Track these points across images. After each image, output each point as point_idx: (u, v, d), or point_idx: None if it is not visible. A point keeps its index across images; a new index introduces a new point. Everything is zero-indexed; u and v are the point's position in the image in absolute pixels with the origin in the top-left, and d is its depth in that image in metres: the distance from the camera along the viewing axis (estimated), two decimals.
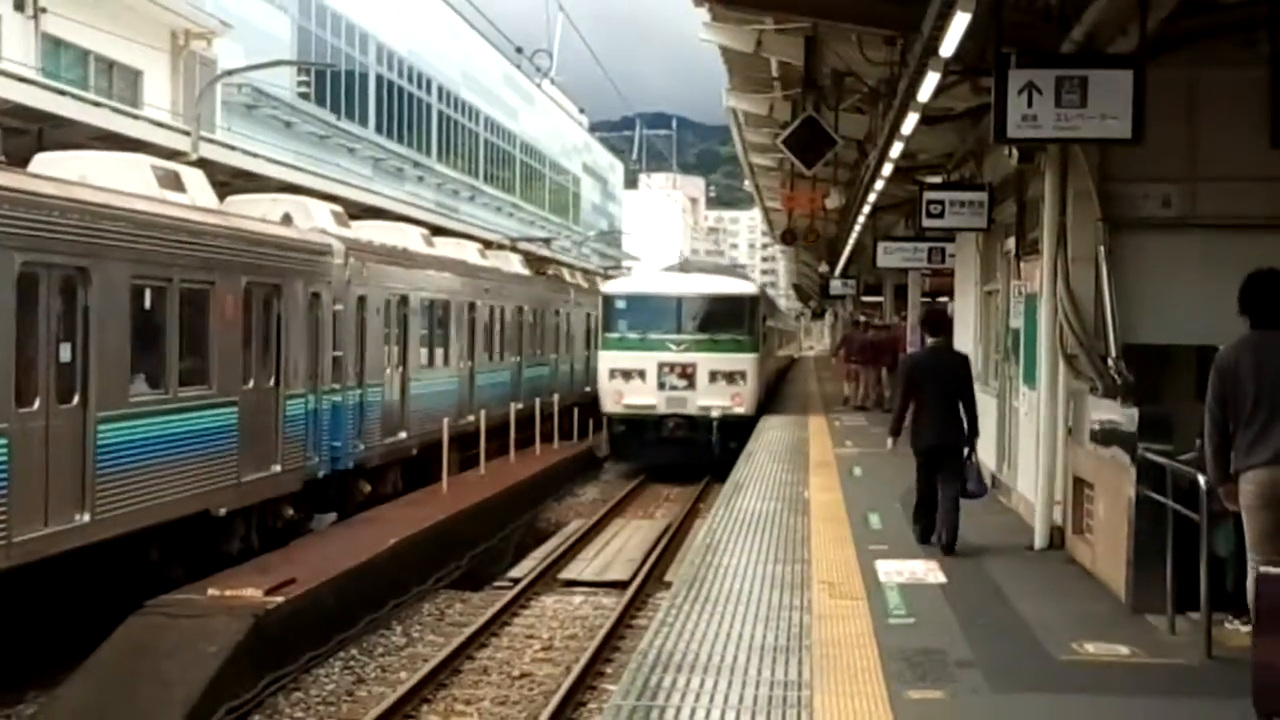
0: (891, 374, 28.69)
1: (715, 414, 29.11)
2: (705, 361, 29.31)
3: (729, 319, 30.14)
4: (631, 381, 29.43)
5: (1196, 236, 12.82)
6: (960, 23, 9.92)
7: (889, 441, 14.02)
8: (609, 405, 30.01)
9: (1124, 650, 9.31)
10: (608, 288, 33.76)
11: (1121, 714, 7.94)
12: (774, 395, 38.05)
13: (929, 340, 14.20)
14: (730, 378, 29.33)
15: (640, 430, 29.74)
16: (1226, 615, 9.40)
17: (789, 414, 32.00)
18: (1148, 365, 12.85)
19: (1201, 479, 8.99)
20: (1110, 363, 12.46)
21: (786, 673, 8.79)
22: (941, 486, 13.12)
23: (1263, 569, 7.63)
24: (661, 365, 29.27)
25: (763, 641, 9.65)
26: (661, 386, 29.24)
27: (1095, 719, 7.85)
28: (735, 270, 53.00)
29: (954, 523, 13.09)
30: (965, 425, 13.21)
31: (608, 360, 30.17)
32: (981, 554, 13.06)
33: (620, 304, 30.75)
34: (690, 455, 29.06)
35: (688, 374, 29.24)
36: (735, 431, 28.06)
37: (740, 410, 29.24)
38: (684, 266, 36.44)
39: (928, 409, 13.24)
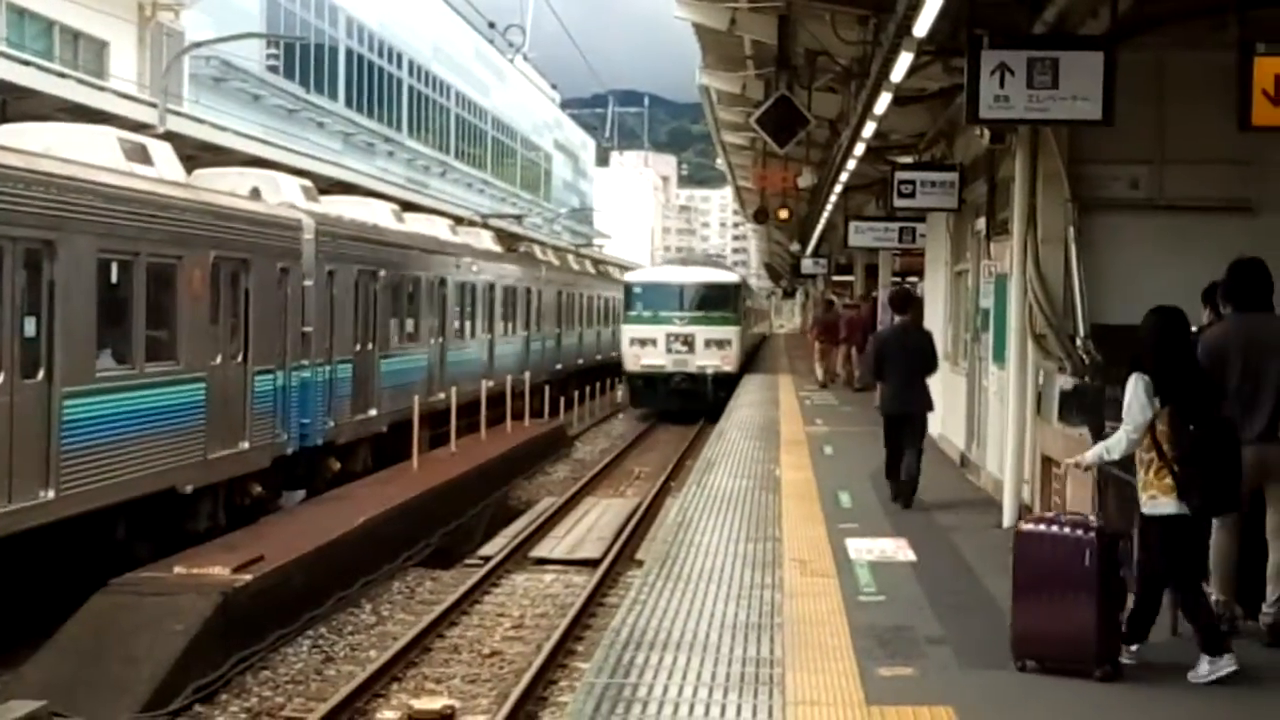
0: (860, 352, 30.64)
1: (710, 371, 37.57)
2: (701, 332, 37.85)
3: (719, 300, 38.86)
4: (646, 347, 37.95)
5: (1164, 218, 12.89)
6: (934, 3, 9.95)
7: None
8: (630, 365, 38.81)
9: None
10: (629, 277, 43.45)
11: (1089, 690, 7.96)
12: (752, 359, 46.34)
13: (896, 318, 15.90)
14: (720, 344, 37.92)
15: (653, 384, 38.34)
16: None
17: (765, 373, 40.47)
18: (1116, 345, 12.91)
19: None
20: (1079, 342, 12.53)
21: (759, 650, 8.82)
22: (905, 447, 14.59)
23: (1021, 527, 8.65)
24: (669, 335, 37.80)
25: (735, 619, 9.67)
26: (669, 351, 37.70)
27: (1064, 694, 7.87)
28: (722, 262, 63.89)
29: (913, 478, 14.55)
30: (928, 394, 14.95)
31: (629, 332, 38.93)
32: (951, 532, 13.13)
33: (638, 290, 39.69)
34: (691, 402, 37.18)
35: (688, 341, 37.73)
36: (724, 384, 36.38)
37: (728, 368, 37.78)
38: (684, 260, 51.02)
39: (891, 379, 14.72)
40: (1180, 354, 8.22)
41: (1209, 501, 8.03)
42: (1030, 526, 8.44)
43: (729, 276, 42.68)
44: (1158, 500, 8.09)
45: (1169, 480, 8.01)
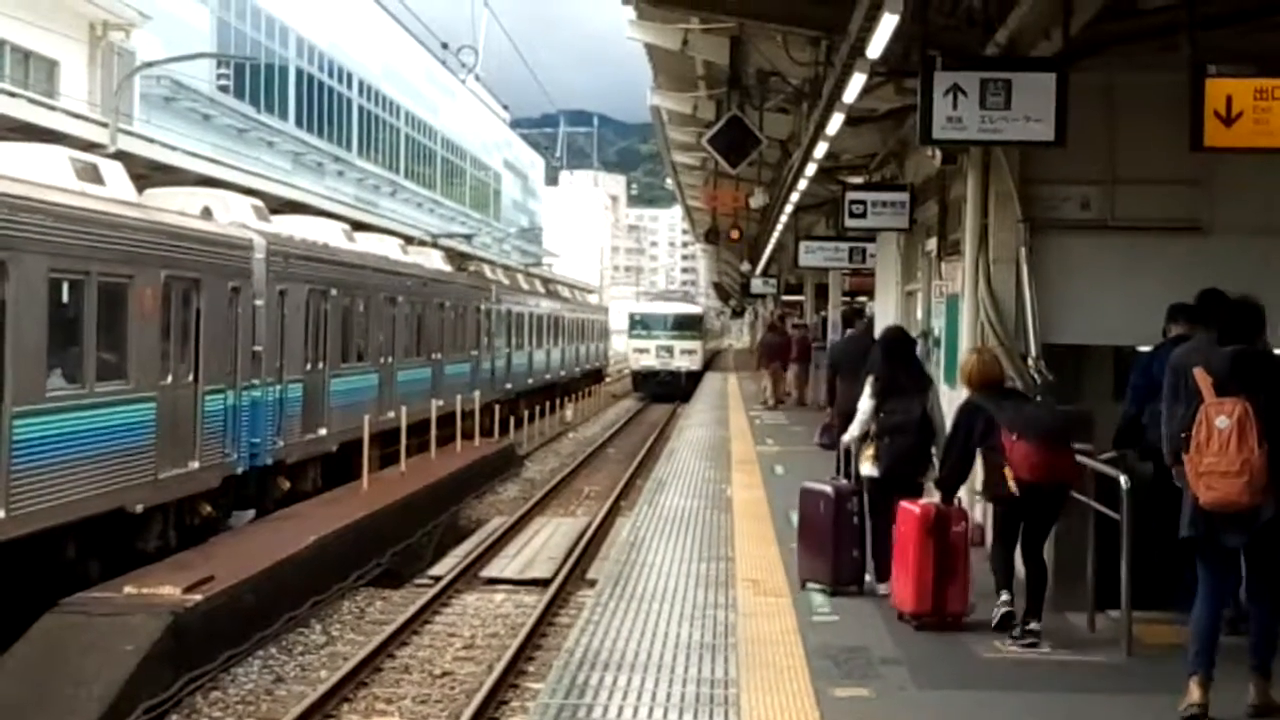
0: (803, 369, 33.07)
1: (683, 369, 56.29)
2: (678, 344, 57.05)
3: (689, 324, 59.03)
4: (644, 354, 57.60)
5: (1116, 238, 12.96)
6: (888, 24, 9.99)
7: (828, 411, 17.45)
8: (634, 365, 59.30)
9: (1045, 648, 9.40)
10: (632, 309, 65.27)
11: (1044, 710, 8.03)
12: (710, 363, 64.88)
13: (847, 331, 18.17)
14: (689, 352, 57.37)
15: (648, 377, 57.51)
16: (1147, 613, 9.53)
17: (719, 372, 58.35)
18: (1067, 365, 13.02)
19: (1123, 479, 9.12)
20: (1030, 362, 12.59)
21: (713, 671, 8.82)
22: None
23: (803, 485, 11.81)
24: (658, 346, 57.05)
25: (689, 639, 9.67)
26: (657, 356, 56.93)
27: (1018, 715, 7.93)
28: (691, 297, 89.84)
29: None
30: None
31: (633, 344, 58.97)
32: None
33: (638, 316, 60.20)
34: (671, 388, 53.98)
35: (670, 350, 56.90)
36: (692, 377, 54.31)
37: (695, 367, 56.83)
38: (666, 297, 73.70)
39: (843, 383, 15.94)
40: (891, 369, 11.39)
41: (888, 470, 11.06)
42: (805, 484, 11.81)
43: (696, 309, 65.36)
44: (865, 466, 11.26)
45: (871, 452, 11.21)
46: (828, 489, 11.37)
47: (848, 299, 34.00)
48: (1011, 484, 9.53)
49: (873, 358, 11.79)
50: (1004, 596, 9.76)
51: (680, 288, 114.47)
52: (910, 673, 8.74)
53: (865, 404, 11.27)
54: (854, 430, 11.35)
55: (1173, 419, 7.84)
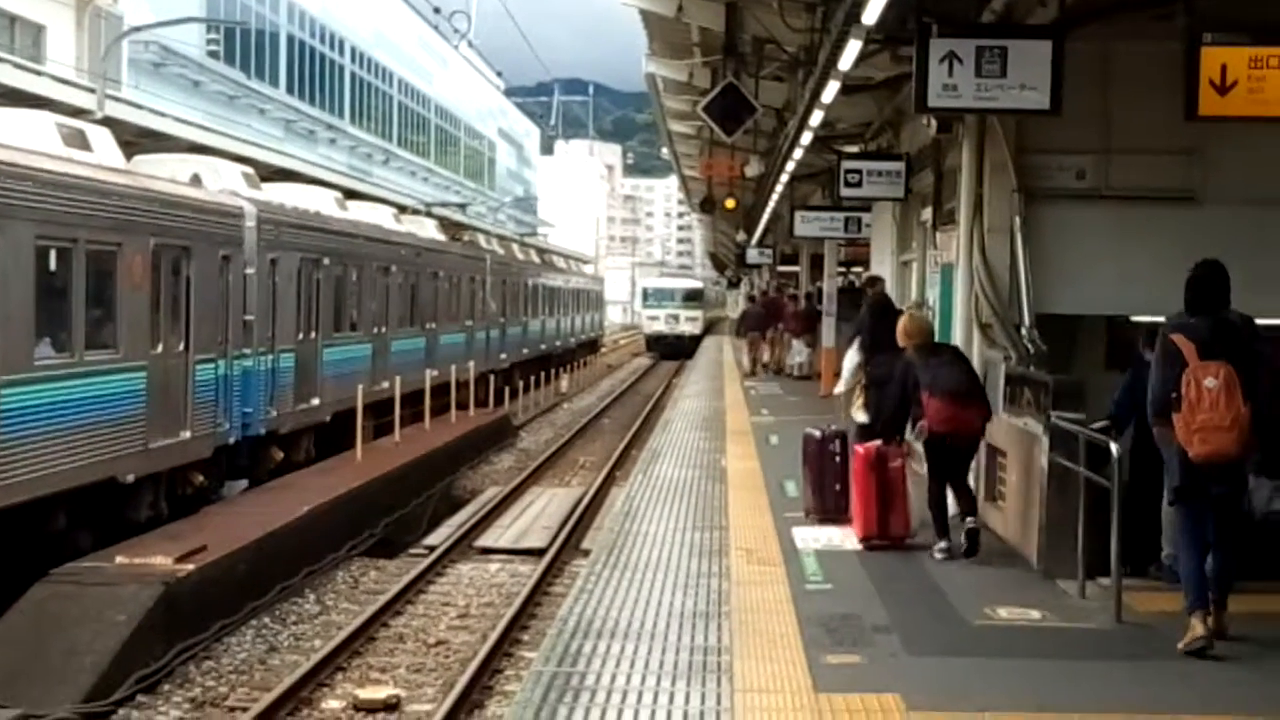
0: (781, 337, 34.48)
1: (687, 332, 67.71)
2: (683, 312, 69.67)
3: (692, 296, 72.11)
4: (655, 321, 70.64)
5: (1110, 208, 12.94)
6: None
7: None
8: (647, 330, 72.85)
9: (1036, 615, 9.42)
10: (644, 283, 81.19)
11: (1035, 676, 8.02)
12: (709, 329, 74.08)
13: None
14: (692, 319, 69.68)
15: (659, 340, 69.08)
16: (1137, 580, 9.55)
17: (715, 336, 66.98)
18: (1060, 335, 13.01)
19: (1114, 447, 9.11)
20: (1024, 332, 12.58)
21: (706, 638, 8.81)
22: None
23: (805, 431, 13.30)
24: (667, 314, 69.74)
25: (682, 608, 9.66)
26: (666, 322, 69.48)
27: (1009, 681, 7.92)
28: (692, 273, 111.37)
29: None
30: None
31: (647, 312, 72.82)
32: None
33: (650, 290, 74.33)
34: (677, 349, 63.60)
35: (676, 317, 69.45)
36: (695, 339, 65.03)
37: (696, 331, 68.18)
38: (674, 274, 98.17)
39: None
40: (875, 329, 12.77)
41: (876, 418, 12.25)
42: (806, 430, 13.29)
43: (697, 284, 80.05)
44: (857, 413, 12.82)
45: (861, 401, 12.71)
46: (816, 432, 12.94)
47: (843, 268, 33.96)
48: (926, 433, 11.33)
49: (860, 319, 13.82)
50: (941, 544, 11.27)
51: (681, 270, 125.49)
52: (902, 640, 8.74)
53: (853, 358, 13.14)
54: (843, 383, 13.52)
55: (1162, 383, 8.43)
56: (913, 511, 11.80)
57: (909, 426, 11.78)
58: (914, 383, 11.43)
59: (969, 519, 11.31)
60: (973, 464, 11.84)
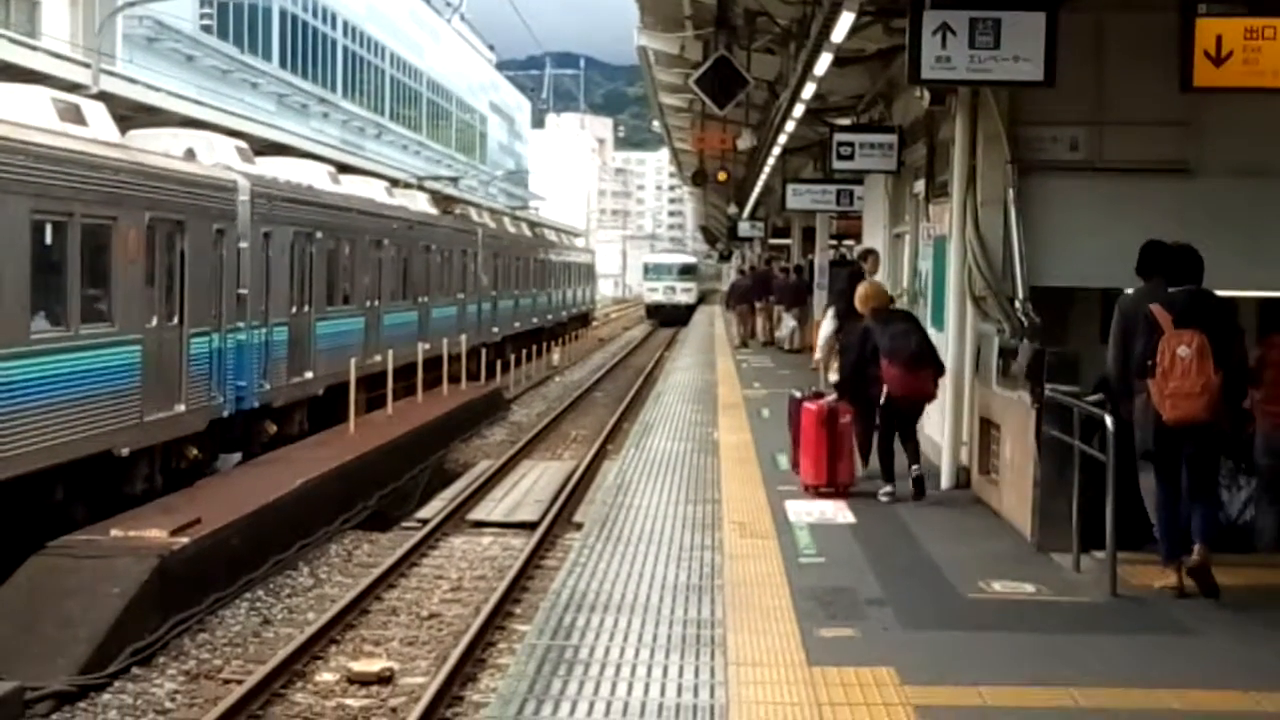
0: (766, 305, 35.98)
1: (683, 301, 75.53)
2: (679, 284, 78.11)
3: (687, 270, 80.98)
4: (655, 292, 78.69)
5: (1104, 180, 12.91)
6: None
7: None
8: (648, 299, 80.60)
9: (1030, 588, 9.44)
10: (646, 258, 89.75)
11: (1029, 649, 8.05)
12: (703, 299, 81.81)
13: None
14: (687, 290, 78.07)
15: (659, 308, 76.42)
16: (1131, 553, 9.58)
17: (707, 305, 75.37)
18: (1054, 307, 13.00)
19: (1108, 419, 9.13)
20: (1017, 305, 12.57)
21: (699, 611, 8.83)
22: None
23: (790, 393, 14.33)
24: (665, 286, 77.81)
25: (675, 581, 9.68)
26: (664, 294, 77.48)
27: (1003, 654, 7.95)
28: (685, 248, 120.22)
29: None
30: None
31: (648, 284, 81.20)
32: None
33: (651, 264, 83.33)
34: (674, 316, 69.88)
35: (673, 289, 77.48)
36: (690, 308, 72.30)
37: (691, 301, 76.19)
38: (671, 251, 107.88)
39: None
40: (848, 299, 14.13)
41: (845, 377, 13.45)
42: (790, 392, 14.34)
43: (691, 259, 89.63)
44: (834, 373, 14.24)
45: (837, 364, 14.01)
46: (797, 393, 13.87)
47: (835, 241, 33.92)
48: (883, 396, 12.76)
49: (837, 290, 16.29)
50: (886, 488, 12.71)
51: (674, 245, 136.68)
52: (895, 613, 8.77)
53: (828, 326, 15.82)
54: (819, 350, 15.99)
55: (1128, 354, 9.18)
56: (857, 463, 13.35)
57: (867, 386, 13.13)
58: (872, 348, 12.85)
59: (914, 467, 12.78)
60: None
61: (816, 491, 12.79)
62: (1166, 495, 9.21)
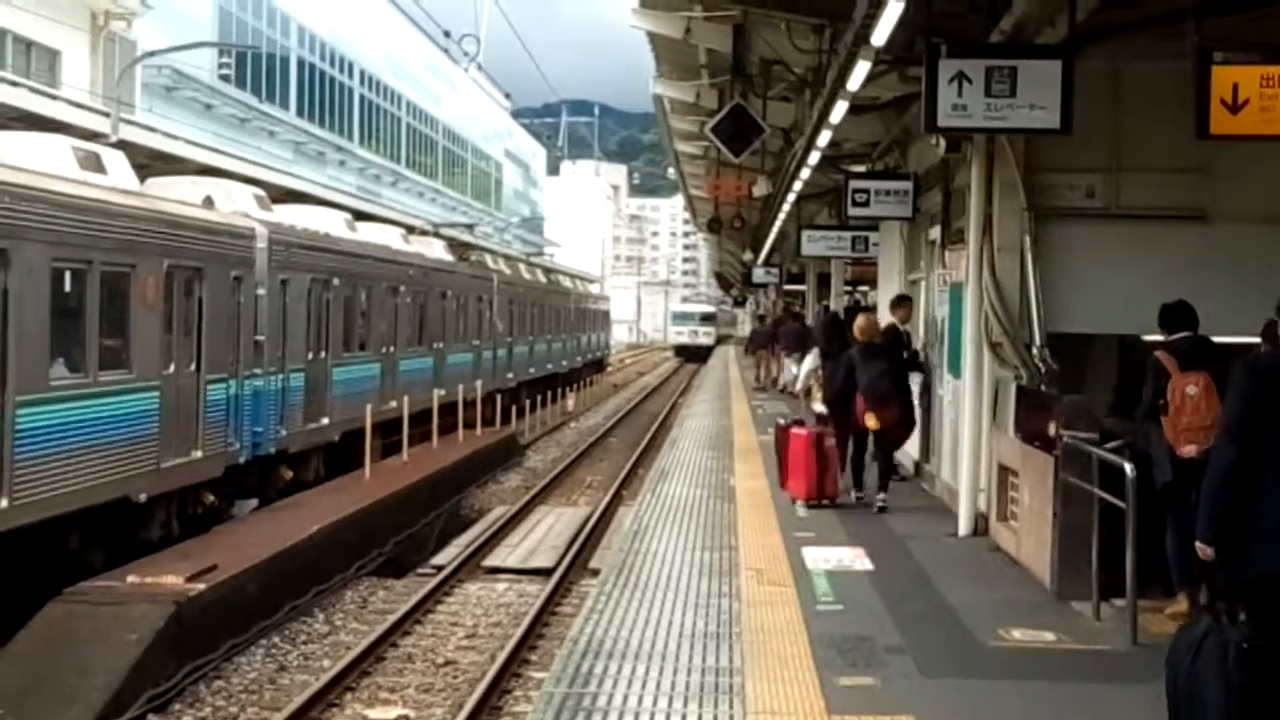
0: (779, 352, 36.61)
1: (704, 343, 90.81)
2: (700, 328, 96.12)
3: (707, 317, 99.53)
4: (681, 335, 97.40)
5: (1120, 226, 12.94)
6: (893, 12, 9.94)
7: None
8: (674, 340, 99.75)
9: (1050, 636, 9.41)
10: (674, 308, 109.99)
11: (1050, 699, 8.02)
12: (720, 341, 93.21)
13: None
14: (708, 333, 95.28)
15: (685, 348, 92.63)
16: (1151, 601, 9.55)
17: (726, 346, 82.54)
18: (1071, 354, 13.00)
19: (1128, 467, 9.11)
20: (1034, 351, 12.58)
21: (718, 660, 8.81)
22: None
23: (779, 423, 16.70)
24: (689, 330, 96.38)
25: (693, 628, 9.66)
26: (689, 336, 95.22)
27: (1024, 704, 7.92)
28: (707, 298, 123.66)
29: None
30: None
31: (674, 328, 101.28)
32: (907, 540, 13.16)
33: (678, 312, 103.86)
34: (697, 355, 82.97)
35: (696, 331, 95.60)
36: (709, 349, 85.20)
37: (710, 342, 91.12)
38: (694, 300, 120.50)
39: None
40: (831, 339, 16.02)
41: (833, 405, 15.87)
42: (780, 422, 16.60)
43: (711, 309, 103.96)
44: (816, 405, 16.14)
45: (820, 395, 15.93)
46: (782, 420, 16.37)
47: (849, 288, 33.95)
48: (861, 425, 15.06)
49: (816, 333, 19.17)
50: (854, 495, 15.21)
51: (691, 293, 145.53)
52: (915, 661, 8.74)
53: (810, 362, 19.04)
54: (800, 383, 18.56)
55: (1152, 393, 9.75)
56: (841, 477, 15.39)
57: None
58: (852, 380, 15.11)
59: (880, 495, 14.84)
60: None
61: (808, 505, 14.87)
62: (1178, 528, 9.31)
